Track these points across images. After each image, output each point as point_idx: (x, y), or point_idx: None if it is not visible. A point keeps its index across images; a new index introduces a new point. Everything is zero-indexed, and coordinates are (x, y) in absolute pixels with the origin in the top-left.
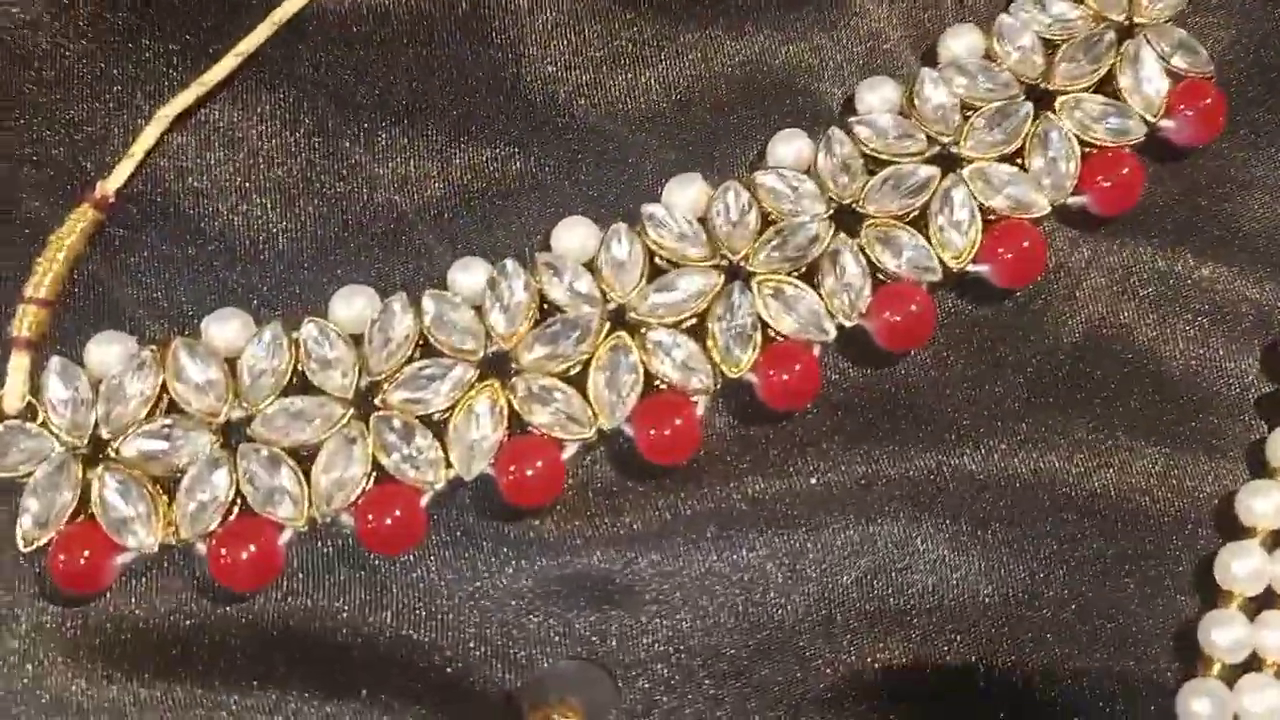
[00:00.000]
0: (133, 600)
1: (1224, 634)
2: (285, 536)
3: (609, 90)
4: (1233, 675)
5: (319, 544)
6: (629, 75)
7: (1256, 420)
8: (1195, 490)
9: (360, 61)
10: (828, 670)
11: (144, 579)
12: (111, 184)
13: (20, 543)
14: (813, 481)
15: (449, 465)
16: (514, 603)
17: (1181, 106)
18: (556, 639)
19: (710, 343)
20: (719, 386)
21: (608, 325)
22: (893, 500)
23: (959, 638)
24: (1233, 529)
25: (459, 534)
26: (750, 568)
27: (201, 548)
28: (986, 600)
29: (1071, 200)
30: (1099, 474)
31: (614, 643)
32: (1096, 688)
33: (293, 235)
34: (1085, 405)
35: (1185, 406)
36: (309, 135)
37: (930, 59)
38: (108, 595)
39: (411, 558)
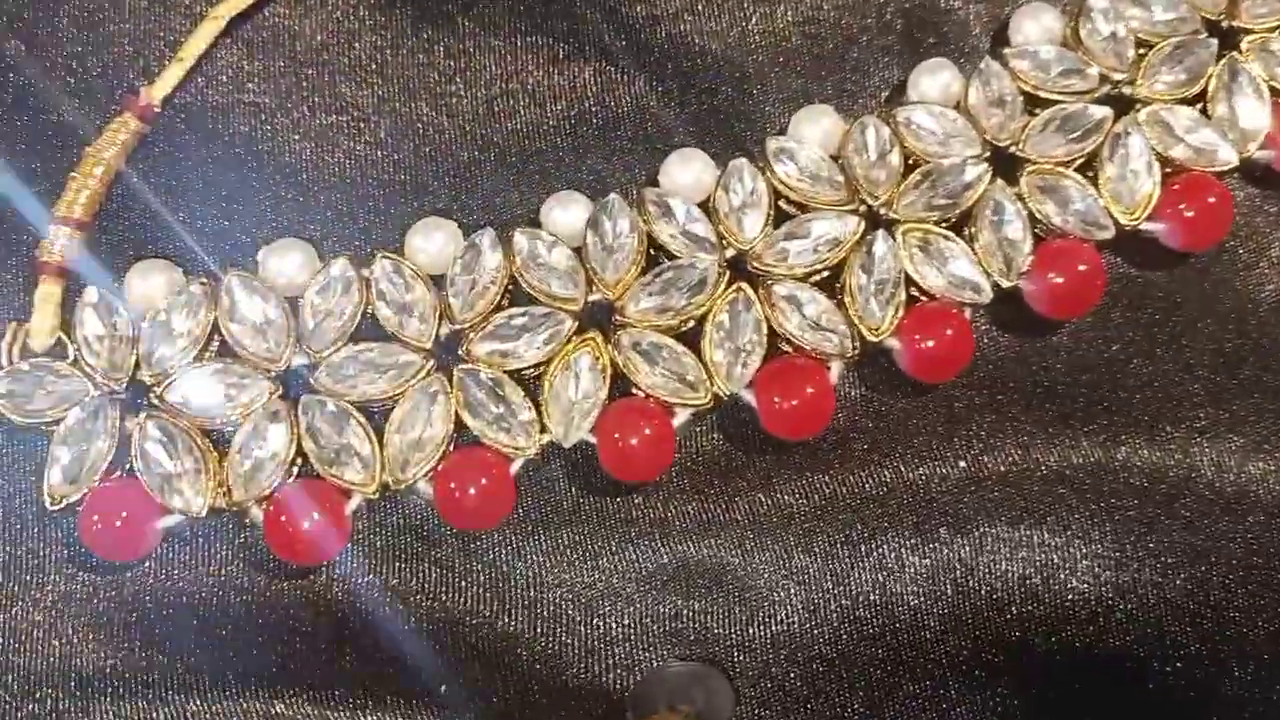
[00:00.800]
0: (175, 570)
1: None
2: (353, 504)
3: (725, 10)
4: None
5: (390, 514)
6: None
7: None
8: None
9: None
10: (973, 687)
11: (188, 547)
12: (157, 92)
13: (47, 500)
14: (961, 465)
15: (543, 429)
16: (612, 592)
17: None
18: (660, 636)
19: (848, 299)
20: (857, 351)
21: (727, 275)
22: (1051, 492)
23: (1126, 655)
24: None
25: (550, 510)
26: (886, 565)
27: (257, 512)
28: (1158, 612)
29: (1259, 154)
30: None
31: (727, 644)
32: None
33: (361, 161)
34: (1276, 391)
35: None
36: (381, 49)
37: None
38: (147, 564)
39: (496, 535)
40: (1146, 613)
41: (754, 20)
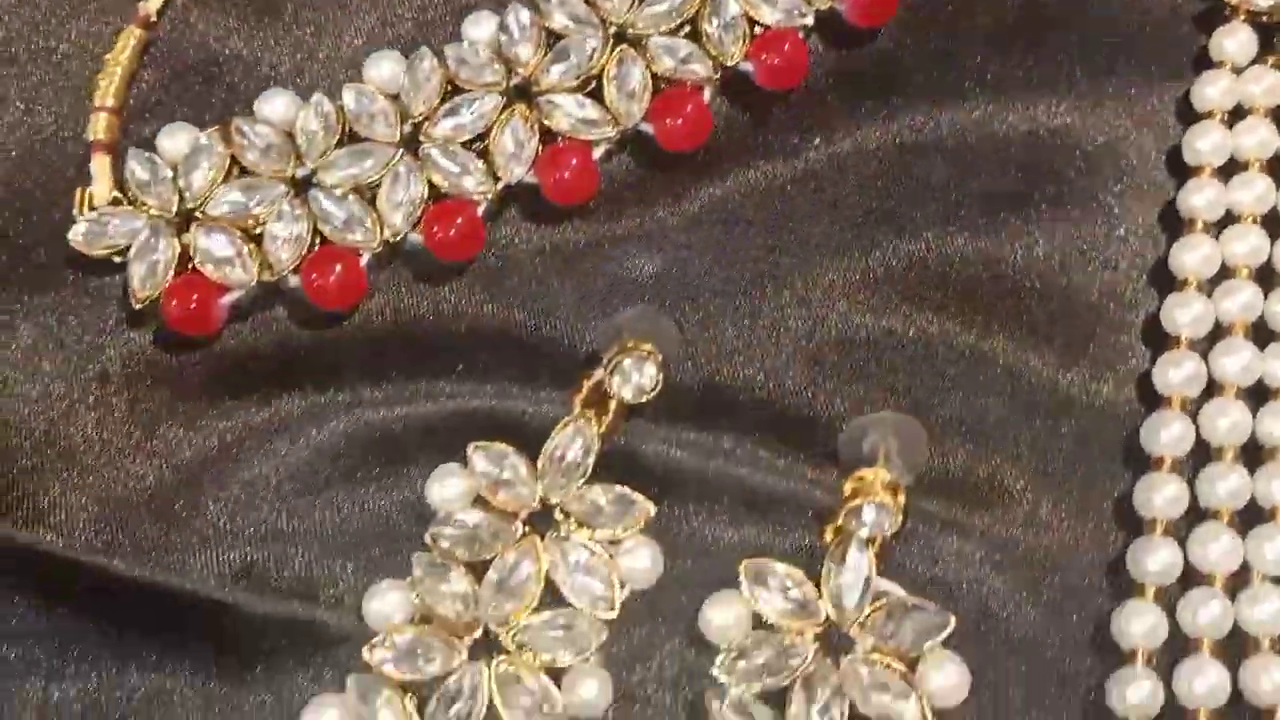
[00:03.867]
0: (238, 338)
1: None
2: (365, 259)
3: None
4: None
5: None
6: None
7: None
8: None
9: None
10: None
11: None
12: (152, 5)
13: (132, 300)
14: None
15: (496, 179)
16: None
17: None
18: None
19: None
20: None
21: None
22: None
23: None
24: None
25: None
26: None
27: (293, 280)
28: None
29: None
30: None
31: None
32: None
33: None
34: None
35: None
36: None
37: None
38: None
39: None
40: None
41: None
